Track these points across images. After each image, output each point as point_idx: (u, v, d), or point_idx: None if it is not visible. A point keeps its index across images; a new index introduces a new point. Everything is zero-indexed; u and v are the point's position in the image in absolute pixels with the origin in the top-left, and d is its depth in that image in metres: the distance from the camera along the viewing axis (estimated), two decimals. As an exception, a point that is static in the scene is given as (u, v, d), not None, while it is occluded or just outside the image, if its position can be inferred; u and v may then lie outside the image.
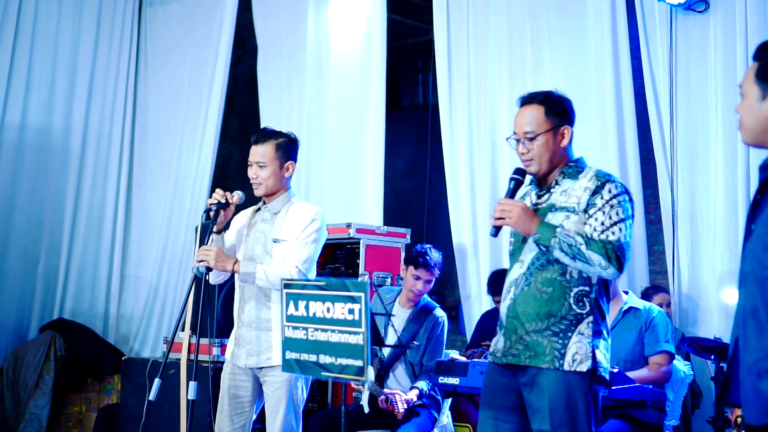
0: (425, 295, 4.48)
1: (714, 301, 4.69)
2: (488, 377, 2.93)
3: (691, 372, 4.15)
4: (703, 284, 4.75)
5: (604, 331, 2.81)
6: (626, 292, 4.12)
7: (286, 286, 3.15)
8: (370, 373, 2.83)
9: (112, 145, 7.13)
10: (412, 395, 4.16)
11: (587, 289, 2.77)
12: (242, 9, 6.86)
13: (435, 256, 4.39)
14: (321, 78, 6.44)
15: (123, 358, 6.03)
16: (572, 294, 2.75)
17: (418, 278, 4.35)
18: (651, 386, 3.67)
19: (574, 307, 2.75)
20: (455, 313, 8.73)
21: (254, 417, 3.64)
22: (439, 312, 4.43)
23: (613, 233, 2.72)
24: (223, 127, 6.85)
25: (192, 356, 4.42)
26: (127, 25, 7.26)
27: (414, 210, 9.78)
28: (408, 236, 5.51)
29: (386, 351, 4.34)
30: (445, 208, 5.74)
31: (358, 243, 5.34)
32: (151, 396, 3.29)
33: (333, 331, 2.94)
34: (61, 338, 6.36)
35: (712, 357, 3.82)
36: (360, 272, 5.25)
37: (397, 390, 4.20)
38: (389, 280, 5.23)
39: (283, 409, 3.48)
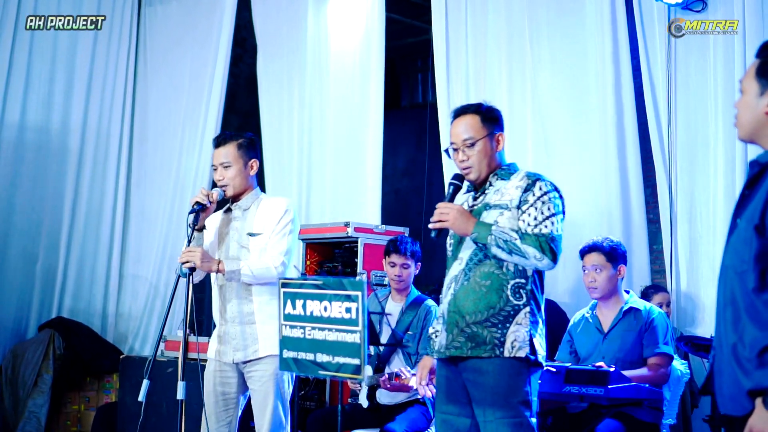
0: (414, 289, 4.53)
1: (713, 300, 4.66)
2: (438, 374, 3.07)
3: (688, 371, 4.14)
4: (702, 284, 4.75)
5: (540, 321, 2.97)
6: (627, 292, 4.09)
7: (284, 285, 3.15)
8: (367, 371, 2.85)
9: (111, 144, 7.13)
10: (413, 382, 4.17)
11: (523, 281, 2.93)
12: (242, 8, 6.86)
13: (407, 242, 4.51)
14: (321, 77, 6.45)
15: (121, 357, 6.04)
16: (509, 286, 2.91)
17: (393, 264, 4.47)
18: (648, 385, 3.66)
19: (511, 298, 2.91)
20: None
21: (240, 413, 3.66)
22: (430, 302, 4.50)
23: (545, 227, 2.88)
24: (223, 126, 6.84)
25: (191, 354, 4.42)
26: (126, 23, 7.26)
27: (413, 209, 9.77)
28: (406, 235, 5.50)
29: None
30: (444, 207, 5.72)
31: (357, 242, 5.36)
32: (140, 397, 3.28)
33: (330, 329, 2.95)
34: (60, 337, 6.36)
35: (709, 356, 3.81)
36: (358, 271, 5.27)
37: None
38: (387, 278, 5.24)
39: (272, 402, 3.50)
